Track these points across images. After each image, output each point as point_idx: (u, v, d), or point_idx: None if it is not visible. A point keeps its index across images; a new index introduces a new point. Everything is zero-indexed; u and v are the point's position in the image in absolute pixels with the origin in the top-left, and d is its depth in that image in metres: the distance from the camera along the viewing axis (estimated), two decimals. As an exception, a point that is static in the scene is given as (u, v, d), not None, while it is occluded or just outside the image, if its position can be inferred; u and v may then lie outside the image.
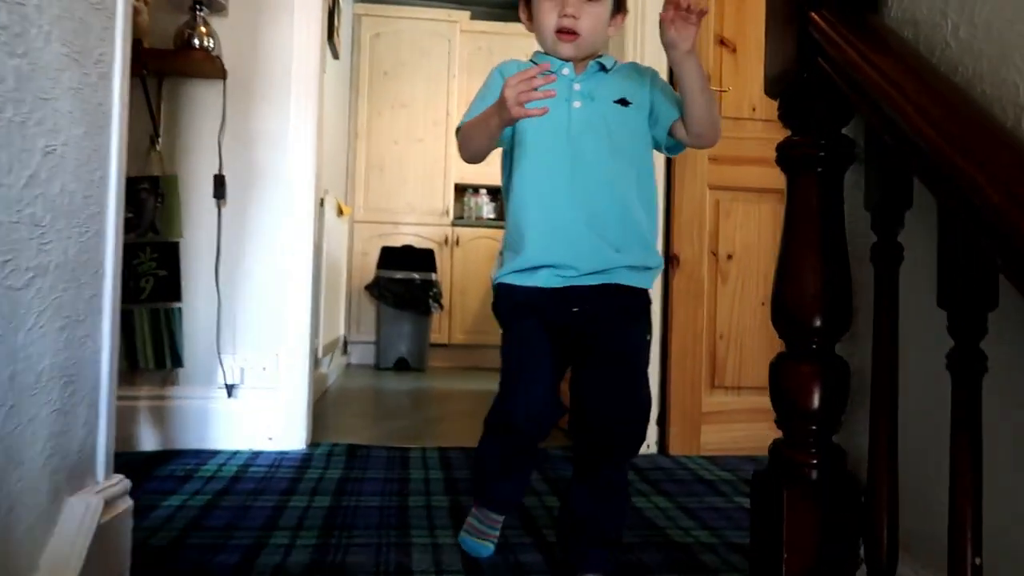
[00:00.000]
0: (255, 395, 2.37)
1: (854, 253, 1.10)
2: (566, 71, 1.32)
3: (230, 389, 2.35)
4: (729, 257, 2.49)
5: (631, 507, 1.82)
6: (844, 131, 1.11)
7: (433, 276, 5.04)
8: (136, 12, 2.19)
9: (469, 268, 5.36)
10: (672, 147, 1.35)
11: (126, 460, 2.15)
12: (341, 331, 4.52)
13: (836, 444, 1.11)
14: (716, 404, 2.44)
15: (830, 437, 1.10)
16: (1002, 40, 0.88)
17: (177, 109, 2.36)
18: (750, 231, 2.50)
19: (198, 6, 2.26)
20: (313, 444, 2.43)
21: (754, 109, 2.50)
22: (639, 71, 1.36)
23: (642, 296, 1.33)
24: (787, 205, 1.15)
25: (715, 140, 1.34)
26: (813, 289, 1.11)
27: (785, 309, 1.16)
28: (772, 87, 1.19)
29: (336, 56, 4.36)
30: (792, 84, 1.13)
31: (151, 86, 2.30)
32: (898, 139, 0.90)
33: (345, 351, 5.15)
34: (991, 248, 0.74)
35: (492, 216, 5.65)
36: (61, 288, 1.07)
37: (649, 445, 2.43)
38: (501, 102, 1.16)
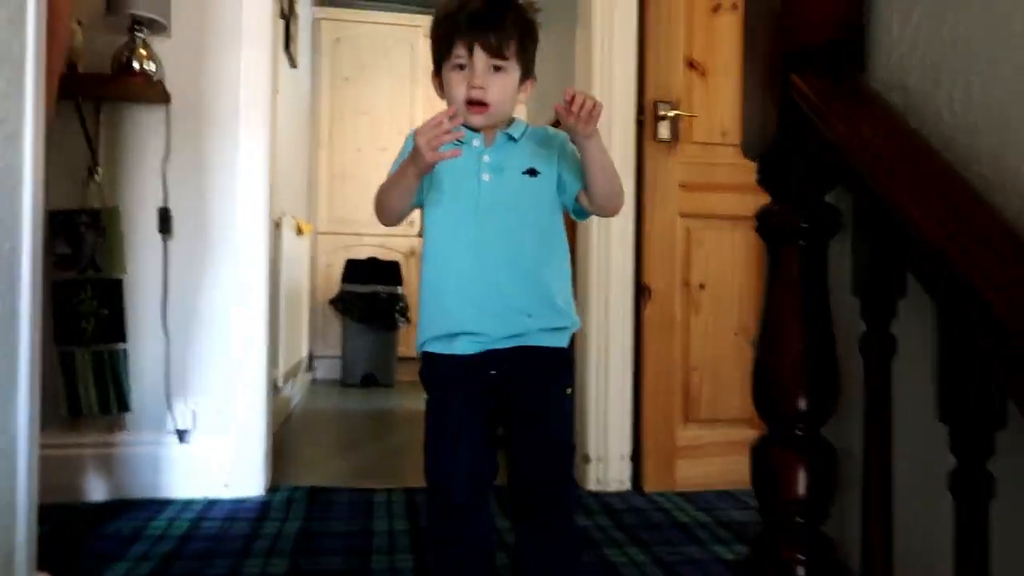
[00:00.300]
0: (209, 440, 2.25)
1: (838, 324, 1.03)
2: (476, 142, 1.34)
3: (181, 434, 2.23)
4: (701, 287, 2.42)
5: (607, 562, 1.75)
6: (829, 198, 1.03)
7: (399, 289, 4.92)
8: (69, 34, 2.05)
9: (436, 279, 5.24)
10: (579, 212, 1.38)
11: (71, 514, 2.03)
12: (304, 352, 4.39)
13: (824, 534, 1.03)
14: (691, 438, 2.37)
15: (818, 528, 1.02)
16: (1006, 118, 0.81)
17: (117, 136, 2.22)
18: (723, 259, 2.43)
19: (137, 27, 2.12)
20: (272, 488, 2.31)
21: (724, 134, 2.42)
22: (548, 140, 1.37)
23: (558, 354, 1.35)
24: (767, 277, 1.06)
25: (617, 211, 1.40)
26: (796, 370, 1.03)
27: (766, 390, 1.08)
28: (750, 149, 1.10)
29: (294, 65, 4.21)
30: (771, 148, 1.04)
31: (87, 111, 2.16)
32: (886, 221, 0.82)
33: (311, 367, 5.01)
34: (998, 369, 0.66)
35: (459, 225, 5.54)
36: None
37: (623, 482, 2.36)
38: (415, 151, 1.21)
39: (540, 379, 1.33)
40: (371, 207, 1.38)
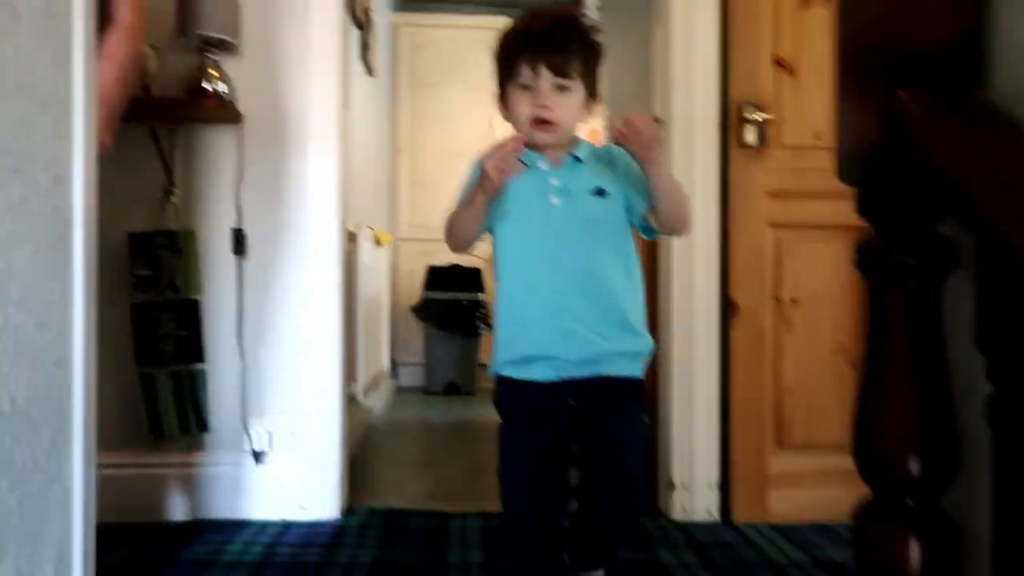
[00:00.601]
0: (284, 461, 2.24)
1: (956, 368, 0.88)
2: (542, 165, 1.35)
3: (257, 456, 2.22)
4: (794, 302, 2.24)
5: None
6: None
7: (480, 296, 4.88)
8: (143, 58, 2.07)
9: (518, 285, 5.18)
10: (647, 231, 1.39)
11: (152, 535, 2.06)
12: (385, 362, 4.40)
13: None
14: (784, 466, 2.20)
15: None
16: None
17: (192, 158, 2.23)
18: (817, 272, 2.25)
19: (208, 48, 2.12)
20: (348, 511, 2.28)
21: (817, 136, 2.23)
22: (613, 159, 1.37)
23: (636, 384, 1.36)
24: (870, 320, 0.92)
25: (685, 231, 1.42)
26: (906, 428, 0.89)
27: (870, 449, 0.94)
28: (846, 174, 0.96)
29: (371, 73, 4.21)
30: (872, 173, 0.90)
31: (163, 134, 2.18)
32: (1012, 262, 0.68)
33: (394, 373, 5.04)
34: None
35: (541, 229, 5.45)
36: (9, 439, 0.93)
37: (711, 512, 2.22)
38: (483, 176, 1.26)
39: (618, 411, 1.33)
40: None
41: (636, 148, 1.23)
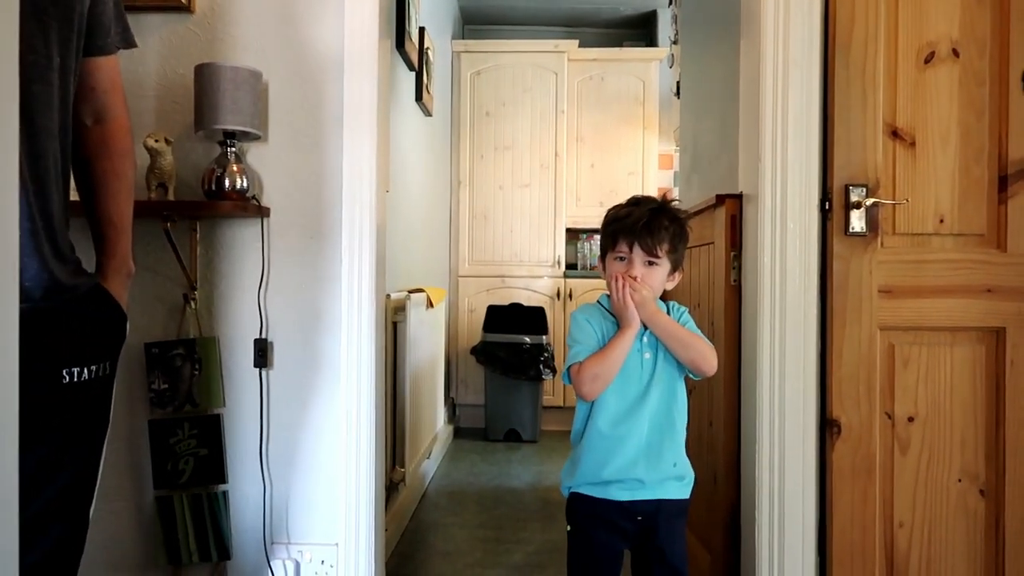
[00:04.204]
0: (314, 592, 2.00)
1: None
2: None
3: (284, 586, 1.99)
4: (910, 420, 1.87)
5: None
6: None
7: (544, 339, 4.58)
8: (157, 154, 1.85)
9: (584, 324, 4.86)
10: (692, 373, 1.61)
11: None
12: (440, 422, 4.15)
13: None
14: (897, 619, 1.84)
15: None
16: None
17: (214, 255, 2.01)
18: (939, 383, 1.87)
19: (230, 140, 1.88)
20: (384, 645, 2.04)
21: (942, 220, 1.85)
22: (672, 312, 1.62)
23: (686, 502, 1.62)
24: None
25: (706, 372, 1.59)
26: None
27: None
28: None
29: (428, 114, 3.96)
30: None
31: (183, 227, 1.96)
32: None
33: (454, 415, 4.81)
34: None
35: (608, 263, 5.12)
36: None
37: (805, 671, 1.88)
38: (623, 315, 1.54)
39: (674, 524, 1.59)
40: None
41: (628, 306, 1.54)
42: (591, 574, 1.59)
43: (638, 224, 1.54)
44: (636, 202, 1.62)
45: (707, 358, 1.57)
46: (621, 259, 1.57)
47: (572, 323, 1.63)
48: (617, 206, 1.64)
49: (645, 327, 1.56)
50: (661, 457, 1.56)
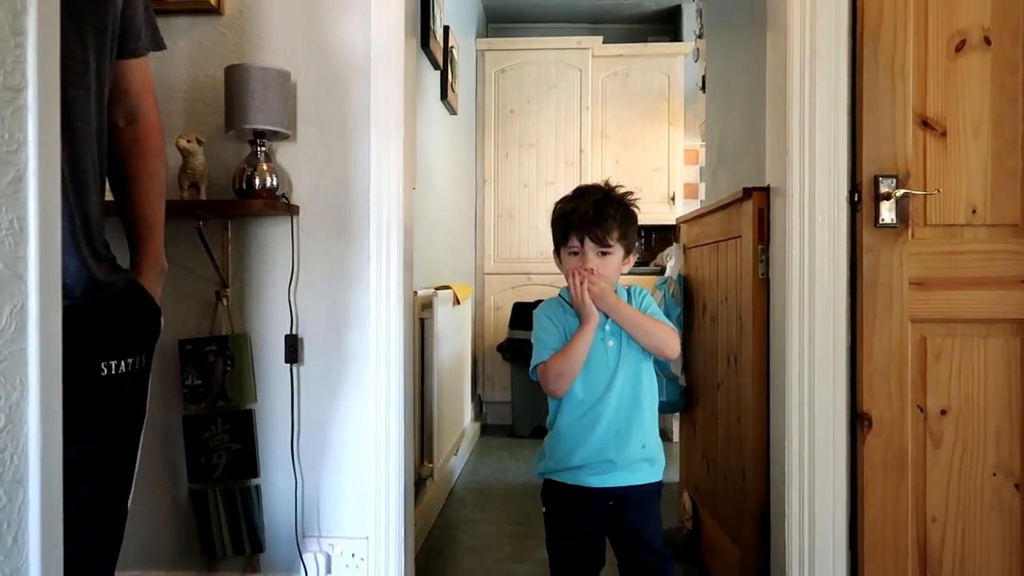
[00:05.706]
0: (345, 584, 2.02)
1: None
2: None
3: (316, 579, 2.02)
4: (943, 413, 1.85)
5: None
6: None
7: (569, 335, 4.58)
8: (188, 154, 1.88)
9: (609, 319, 4.86)
10: (656, 360, 1.68)
11: None
12: (467, 419, 4.17)
13: None
14: (930, 615, 1.82)
15: None
16: None
17: (245, 253, 2.04)
18: (973, 376, 1.84)
19: (259, 140, 1.91)
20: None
21: (974, 211, 1.83)
22: (630, 300, 1.65)
23: (657, 484, 1.65)
24: None
25: (666, 354, 1.62)
26: None
27: None
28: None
29: (453, 112, 3.98)
30: None
31: (215, 226, 2.00)
32: None
33: (480, 412, 4.83)
34: None
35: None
36: None
37: (836, 667, 1.86)
38: (583, 312, 1.57)
39: (645, 505, 1.63)
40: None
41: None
42: (567, 556, 1.64)
43: (585, 217, 1.56)
44: (580, 194, 1.64)
45: (669, 344, 1.60)
46: (575, 253, 1.59)
47: (535, 322, 1.65)
48: (562, 199, 1.65)
49: (607, 316, 1.58)
50: (629, 439, 1.59)
